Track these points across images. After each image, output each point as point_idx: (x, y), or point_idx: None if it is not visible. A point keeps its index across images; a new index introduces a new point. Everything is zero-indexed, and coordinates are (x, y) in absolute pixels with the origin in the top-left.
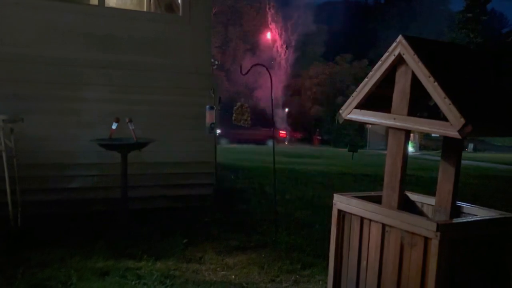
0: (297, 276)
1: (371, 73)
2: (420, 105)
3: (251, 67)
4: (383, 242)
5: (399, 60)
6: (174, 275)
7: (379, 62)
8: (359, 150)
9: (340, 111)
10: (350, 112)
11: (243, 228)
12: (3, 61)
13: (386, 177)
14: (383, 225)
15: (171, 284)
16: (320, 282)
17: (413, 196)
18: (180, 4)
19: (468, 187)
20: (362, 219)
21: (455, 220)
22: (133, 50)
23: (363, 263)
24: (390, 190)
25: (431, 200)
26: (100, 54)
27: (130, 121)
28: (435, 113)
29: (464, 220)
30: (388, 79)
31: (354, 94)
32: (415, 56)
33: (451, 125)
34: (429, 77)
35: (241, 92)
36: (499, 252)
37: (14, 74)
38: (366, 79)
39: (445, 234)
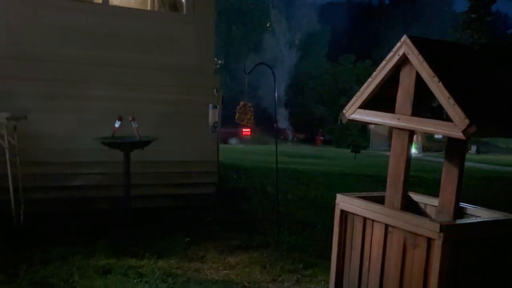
0: (299, 276)
1: (375, 72)
2: (424, 105)
3: (255, 66)
4: (385, 243)
5: (404, 60)
6: (176, 274)
7: (383, 62)
8: (361, 151)
9: (344, 111)
10: (354, 112)
11: (245, 228)
12: (6, 59)
13: (389, 178)
14: (386, 226)
15: (173, 282)
16: (322, 282)
17: (416, 197)
18: (184, 3)
19: (471, 189)
20: (365, 219)
21: (459, 221)
22: (137, 48)
23: (366, 263)
24: (393, 190)
25: (434, 201)
26: (104, 52)
27: (133, 119)
28: (438, 114)
29: (468, 221)
30: (391, 79)
31: (358, 93)
32: (420, 56)
33: (455, 125)
34: (434, 77)
35: (244, 91)
36: (503, 253)
37: (17, 72)
38: (370, 79)
39: (448, 235)
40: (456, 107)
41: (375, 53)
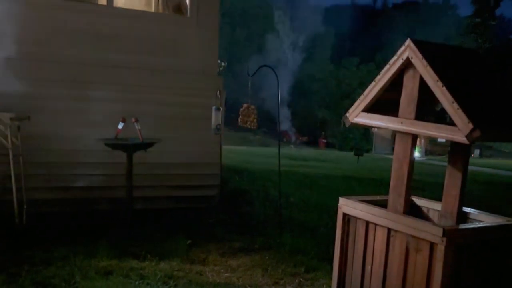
0: (301, 279)
1: (378, 76)
2: (427, 109)
3: (258, 68)
4: (388, 247)
5: (407, 64)
6: (177, 276)
7: (387, 66)
8: (364, 154)
9: (347, 114)
10: (357, 116)
11: (247, 230)
12: (11, 60)
13: (392, 181)
14: (389, 230)
15: (174, 284)
16: (324, 286)
17: (419, 201)
18: (188, 5)
19: (474, 193)
20: (367, 223)
21: (462, 226)
22: (141, 50)
23: (368, 267)
24: (396, 194)
25: (437, 205)
26: (108, 54)
27: (137, 121)
28: (441, 118)
29: (471, 226)
30: (394, 83)
31: (361, 97)
32: (424, 60)
33: (458, 129)
34: (437, 81)
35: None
36: (505, 258)
37: (21, 73)
38: (373, 83)
39: (451, 239)
40: (460, 112)
41: (379, 56)
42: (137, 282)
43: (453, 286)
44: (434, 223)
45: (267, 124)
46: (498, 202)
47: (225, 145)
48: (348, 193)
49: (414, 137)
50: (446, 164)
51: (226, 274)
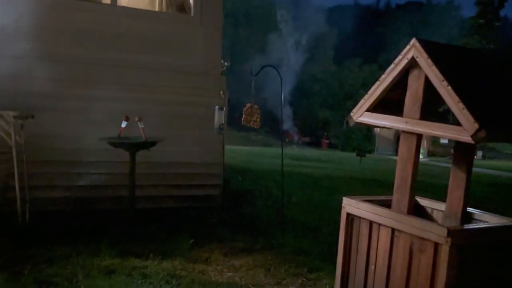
0: (304, 279)
1: (383, 76)
2: (429, 110)
3: (261, 68)
4: (392, 247)
5: (412, 64)
6: (180, 275)
7: (392, 65)
8: (367, 155)
9: (351, 114)
10: (361, 115)
11: (250, 230)
12: (15, 58)
13: (396, 181)
14: (393, 230)
15: (177, 284)
16: (327, 286)
17: (423, 201)
18: (192, 5)
19: (478, 195)
20: (371, 223)
21: (466, 226)
22: (144, 49)
23: (371, 267)
24: (400, 194)
25: (441, 206)
26: (111, 53)
27: (140, 120)
28: (444, 119)
29: (475, 227)
30: (399, 82)
31: (366, 96)
32: (429, 60)
33: (464, 130)
34: (443, 81)
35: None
36: (510, 259)
37: (25, 71)
38: (378, 82)
39: (455, 240)
40: (465, 112)
41: (381, 57)
42: (139, 281)
43: (457, 286)
44: (438, 224)
45: (270, 124)
46: (502, 203)
47: (227, 145)
48: (350, 194)
49: (419, 137)
50: (448, 165)
51: (228, 274)
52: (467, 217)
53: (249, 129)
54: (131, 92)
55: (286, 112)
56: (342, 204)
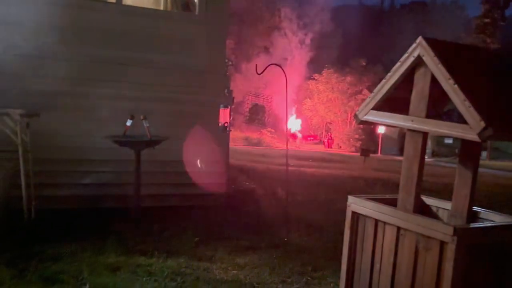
0: (308, 278)
1: (389, 74)
2: (434, 110)
3: (267, 67)
4: (397, 245)
5: (418, 62)
6: (185, 273)
7: (398, 64)
8: (371, 155)
9: (357, 112)
10: (367, 113)
11: (254, 228)
12: (21, 57)
13: (402, 180)
14: (398, 228)
15: (182, 281)
16: (332, 285)
17: (428, 200)
18: (197, 3)
19: (483, 194)
20: (376, 221)
21: (472, 225)
22: (149, 48)
23: (377, 266)
24: (405, 193)
25: (447, 205)
26: (116, 52)
27: (145, 118)
28: (448, 118)
29: (482, 225)
30: (404, 80)
31: (372, 95)
32: (435, 58)
33: (470, 128)
34: (449, 79)
35: (254, 92)
36: None
37: (31, 70)
38: (384, 80)
39: (462, 238)
40: (472, 110)
41: (386, 57)
42: (144, 279)
43: (463, 285)
44: (444, 222)
45: (274, 123)
46: (507, 202)
47: (231, 144)
48: (355, 193)
49: (425, 135)
50: (452, 165)
51: (233, 272)
52: (473, 216)
53: (254, 128)
54: (136, 91)
55: (291, 112)
56: (347, 203)
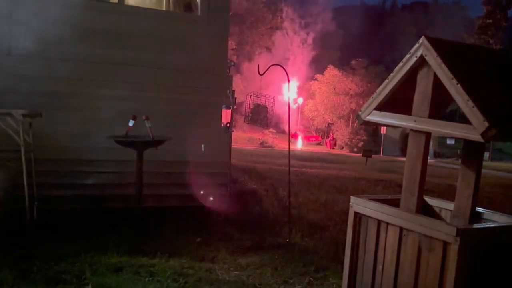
0: (311, 279)
1: (391, 74)
2: (436, 111)
3: (268, 67)
4: (400, 246)
5: (421, 62)
6: (187, 273)
7: (400, 64)
8: (373, 156)
9: (360, 113)
10: (370, 114)
11: (257, 229)
12: (24, 57)
13: (404, 181)
14: (401, 229)
15: (184, 282)
16: (334, 286)
17: (431, 201)
18: (199, 4)
19: (485, 195)
20: (379, 222)
21: (476, 226)
22: (151, 48)
23: (379, 266)
24: (408, 193)
25: (449, 205)
26: (118, 52)
27: (147, 118)
28: (450, 119)
29: (485, 226)
30: (406, 81)
31: (374, 95)
32: (438, 58)
33: (474, 128)
34: (452, 79)
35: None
36: None
37: (34, 71)
38: (386, 81)
39: (465, 239)
40: (475, 110)
41: (388, 57)
42: (147, 279)
43: (466, 286)
44: (447, 223)
45: (276, 123)
46: (510, 203)
47: (233, 145)
48: (357, 194)
49: (428, 135)
50: (455, 166)
51: (235, 272)
52: (476, 217)
53: (256, 128)
54: (138, 91)
55: (293, 113)
56: (350, 203)
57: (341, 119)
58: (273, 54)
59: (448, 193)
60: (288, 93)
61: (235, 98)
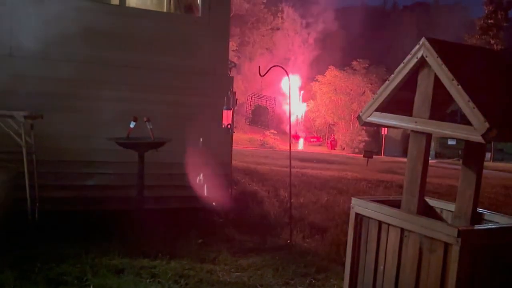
0: (312, 280)
1: (392, 75)
2: (439, 111)
3: (270, 68)
4: (401, 247)
5: (422, 63)
6: (188, 275)
7: (401, 65)
8: (374, 156)
9: (360, 114)
10: (371, 115)
11: (258, 230)
12: (25, 59)
13: (405, 182)
14: (402, 230)
15: (185, 283)
16: (335, 287)
17: (432, 202)
18: (200, 5)
19: (487, 196)
20: (380, 223)
21: (477, 227)
22: (152, 50)
23: (380, 267)
24: (409, 194)
25: (450, 206)
26: (119, 53)
27: (148, 120)
28: (452, 120)
29: (486, 227)
30: (408, 82)
31: (375, 96)
32: (439, 59)
33: (474, 129)
34: (453, 80)
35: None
36: None
37: (35, 72)
38: (387, 82)
39: (466, 240)
40: (476, 111)
41: (389, 58)
42: (148, 281)
43: (467, 287)
44: (448, 224)
45: (277, 124)
46: (510, 204)
47: (234, 146)
48: (358, 195)
49: (429, 136)
50: (456, 166)
51: (236, 274)
52: (477, 218)
53: (256, 130)
54: (139, 93)
55: (294, 113)
56: (351, 204)
57: (342, 120)
58: (274, 55)
59: (449, 194)
60: (289, 94)
61: (236, 99)
